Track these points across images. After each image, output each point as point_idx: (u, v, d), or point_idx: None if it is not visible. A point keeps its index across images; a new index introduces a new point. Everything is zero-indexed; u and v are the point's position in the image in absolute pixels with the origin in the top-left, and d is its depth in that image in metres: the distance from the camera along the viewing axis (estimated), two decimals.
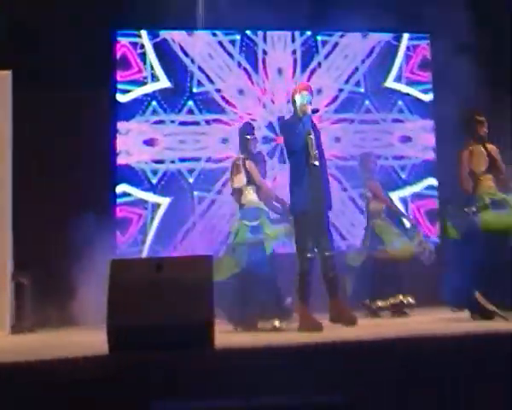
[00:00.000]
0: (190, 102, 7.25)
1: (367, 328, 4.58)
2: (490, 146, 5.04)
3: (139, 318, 3.56)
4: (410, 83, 7.77)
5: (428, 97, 7.76)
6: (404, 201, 7.61)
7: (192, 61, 7.32)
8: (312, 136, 4.77)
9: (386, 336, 3.72)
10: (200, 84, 7.32)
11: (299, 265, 4.71)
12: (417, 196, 7.64)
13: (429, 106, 7.72)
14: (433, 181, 7.66)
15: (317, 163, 4.70)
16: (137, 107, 7.13)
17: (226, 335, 4.46)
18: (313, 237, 4.69)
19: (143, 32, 7.23)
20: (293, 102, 5.01)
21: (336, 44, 7.68)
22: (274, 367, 3.37)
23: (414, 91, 7.77)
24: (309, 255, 4.67)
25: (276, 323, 4.76)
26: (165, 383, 3.07)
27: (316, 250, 4.71)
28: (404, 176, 7.63)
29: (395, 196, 7.52)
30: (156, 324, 3.53)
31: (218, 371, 3.43)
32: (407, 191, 7.64)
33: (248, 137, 5.25)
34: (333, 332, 4.35)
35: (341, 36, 7.70)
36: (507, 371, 3.13)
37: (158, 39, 7.26)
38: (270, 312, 4.78)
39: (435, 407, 3.15)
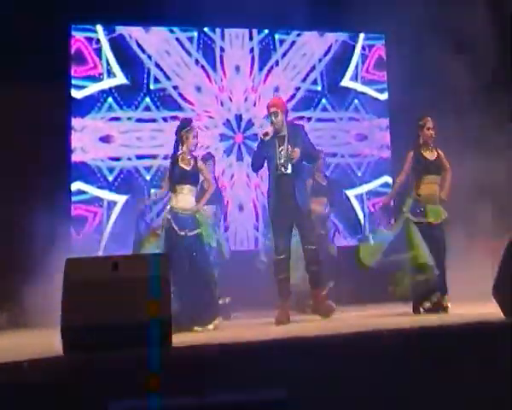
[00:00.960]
0: (147, 99, 7.18)
1: (330, 322, 4.65)
2: (434, 150, 5.19)
3: (95, 317, 3.50)
4: (366, 82, 7.89)
5: (384, 96, 7.90)
6: (359, 198, 7.73)
7: (149, 57, 7.26)
8: (284, 146, 4.87)
9: (332, 332, 3.77)
10: (157, 80, 7.26)
11: (273, 266, 4.90)
12: (373, 194, 7.76)
13: (384, 105, 7.86)
14: (388, 179, 7.80)
15: (287, 171, 4.84)
16: (93, 103, 7.03)
17: (181, 333, 4.43)
18: (287, 237, 4.86)
19: (99, 27, 7.12)
20: None
21: (293, 43, 7.74)
22: (228, 364, 3.37)
23: (369, 90, 7.90)
24: (280, 257, 4.80)
25: (211, 326, 4.69)
26: (123, 382, 3.03)
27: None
28: (359, 174, 7.75)
29: (351, 193, 7.64)
30: (112, 323, 3.49)
31: (175, 369, 3.42)
32: (363, 189, 7.76)
33: (187, 129, 4.93)
34: (288, 329, 4.39)
35: (298, 35, 7.75)
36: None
37: (114, 35, 7.17)
38: (204, 313, 4.71)
39: (380, 401, 3.21)
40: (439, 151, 5.22)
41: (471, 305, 5.14)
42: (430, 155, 5.14)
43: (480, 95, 6.14)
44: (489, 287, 4.32)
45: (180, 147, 4.85)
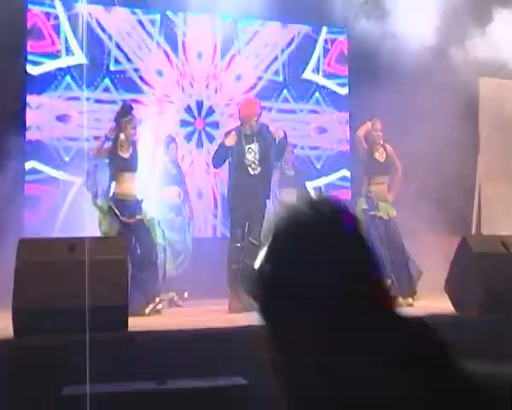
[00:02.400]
0: (107, 80, 7.03)
1: None
2: (383, 150, 5.38)
3: (48, 300, 3.43)
4: (328, 75, 7.94)
5: (344, 91, 7.97)
6: (318, 190, 7.79)
7: (110, 37, 7.09)
8: (253, 146, 4.96)
9: None
10: (117, 62, 7.11)
11: (227, 253, 4.97)
12: (331, 187, 7.84)
13: (345, 99, 7.93)
14: (346, 172, 7.90)
15: (254, 172, 4.94)
16: (50, 81, 6.82)
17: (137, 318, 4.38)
18: (244, 227, 4.93)
19: (58, 3, 6.89)
20: None
21: (257, 32, 7.71)
22: (185, 350, 3.36)
23: (331, 84, 7.96)
24: (236, 245, 4.87)
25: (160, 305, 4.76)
26: (78, 367, 2.98)
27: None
28: (318, 166, 7.82)
29: (310, 185, 7.70)
30: (67, 307, 3.42)
31: (132, 354, 3.38)
32: (321, 181, 7.83)
33: (126, 119, 4.98)
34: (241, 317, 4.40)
35: (262, 24, 7.73)
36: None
37: (74, 12, 6.95)
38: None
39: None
40: (389, 149, 5.40)
41: (424, 299, 5.29)
42: (380, 156, 5.35)
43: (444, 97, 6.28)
44: (441, 281, 4.45)
45: (119, 134, 4.88)
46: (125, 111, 5.01)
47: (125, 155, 4.91)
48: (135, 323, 3.74)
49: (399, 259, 5.20)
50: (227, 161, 5.17)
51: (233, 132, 4.99)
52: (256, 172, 4.94)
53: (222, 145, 5.08)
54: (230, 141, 4.93)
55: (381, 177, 5.41)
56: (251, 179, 4.91)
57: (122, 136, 4.90)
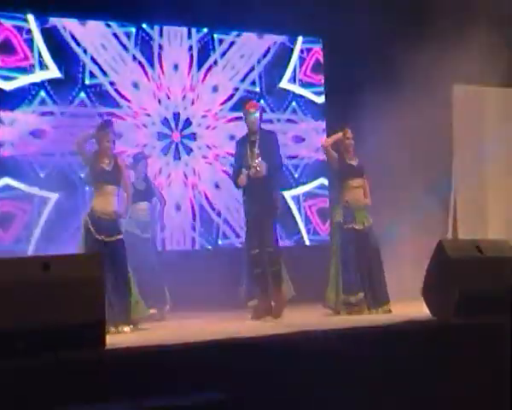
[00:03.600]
0: (82, 94, 6.97)
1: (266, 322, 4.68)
2: (355, 157, 5.44)
3: (24, 320, 3.36)
4: (304, 85, 7.97)
5: (321, 100, 8.00)
6: (296, 199, 7.81)
7: (84, 51, 7.04)
8: (255, 150, 5.12)
9: (268, 333, 3.79)
10: (92, 75, 7.06)
11: (246, 261, 5.30)
12: (309, 195, 7.86)
13: (321, 108, 7.96)
14: (324, 181, 7.92)
15: (258, 175, 5.09)
16: (23, 96, 6.73)
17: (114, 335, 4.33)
18: (258, 236, 5.14)
19: (30, 17, 6.83)
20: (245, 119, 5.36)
21: (233, 43, 7.72)
22: (163, 367, 3.32)
23: (307, 93, 7.98)
24: (252, 252, 5.10)
25: (126, 328, 4.71)
26: (54, 388, 2.94)
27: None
28: (296, 175, 7.83)
29: (288, 194, 7.71)
30: (43, 326, 3.36)
31: (109, 371, 3.33)
32: (299, 190, 7.84)
33: (103, 132, 4.98)
34: (224, 328, 4.37)
35: (238, 35, 7.74)
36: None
37: (47, 26, 6.90)
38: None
39: (311, 404, 3.25)
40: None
41: (401, 304, 5.30)
42: (353, 161, 5.42)
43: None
44: (417, 286, 4.47)
45: (98, 147, 4.92)
46: (104, 125, 5.02)
47: (107, 167, 4.89)
48: (111, 341, 3.69)
49: (376, 268, 5.24)
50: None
51: (244, 178, 5.14)
52: (259, 175, 5.08)
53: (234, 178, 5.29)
54: (242, 182, 5.16)
55: (357, 180, 5.46)
56: (257, 181, 5.06)
57: (100, 149, 4.90)
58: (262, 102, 7.72)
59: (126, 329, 4.69)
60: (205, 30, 7.60)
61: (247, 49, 7.76)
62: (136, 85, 7.25)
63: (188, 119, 7.44)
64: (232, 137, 7.43)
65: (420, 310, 4.38)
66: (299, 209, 7.79)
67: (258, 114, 5.21)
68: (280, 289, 5.18)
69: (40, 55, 6.85)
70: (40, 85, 6.80)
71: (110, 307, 4.49)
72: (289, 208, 7.71)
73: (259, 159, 5.06)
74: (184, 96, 7.45)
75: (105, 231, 4.77)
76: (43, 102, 6.79)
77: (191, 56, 7.52)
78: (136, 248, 5.51)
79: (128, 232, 5.93)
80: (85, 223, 4.81)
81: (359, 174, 5.49)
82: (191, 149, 7.37)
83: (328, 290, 5.31)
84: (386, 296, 5.25)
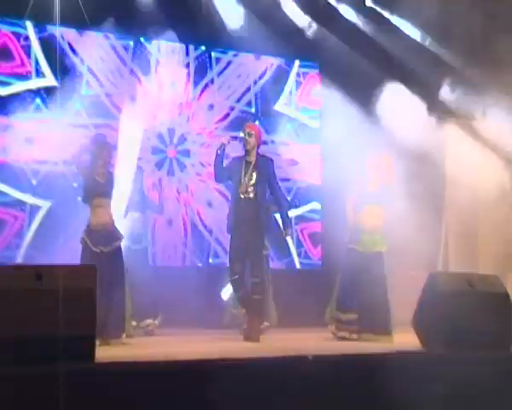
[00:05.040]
0: (78, 104, 6.95)
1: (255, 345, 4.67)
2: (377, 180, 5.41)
3: (13, 330, 3.33)
4: (299, 108, 8.03)
5: (316, 124, 8.07)
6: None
7: (82, 61, 7.03)
8: (251, 172, 5.09)
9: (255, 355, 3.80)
10: (89, 86, 7.05)
11: (231, 286, 5.18)
12: (301, 219, 7.89)
13: (317, 132, 8.02)
14: (316, 205, 7.96)
15: (250, 196, 5.05)
16: (19, 102, 6.67)
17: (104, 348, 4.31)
18: (242, 261, 5.07)
19: (28, 24, 6.81)
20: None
21: (230, 63, 7.77)
22: (152, 383, 3.31)
23: (302, 117, 8.05)
24: (234, 277, 5.03)
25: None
26: (43, 400, 2.91)
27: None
28: (289, 198, 7.81)
29: (280, 217, 7.71)
30: (33, 336, 3.33)
31: (99, 385, 3.31)
32: (292, 213, 7.82)
33: (102, 145, 5.04)
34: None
35: (235, 55, 7.80)
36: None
37: (45, 34, 6.87)
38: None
39: None
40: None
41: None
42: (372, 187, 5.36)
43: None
44: (407, 315, 4.51)
45: (95, 161, 4.91)
46: (100, 139, 5.06)
47: (102, 180, 4.90)
48: (102, 354, 3.67)
49: (377, 295, 5.13)
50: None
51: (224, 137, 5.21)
52: (251, 195, 5.04)
53: (220, 156, 5.17)
54: (224, 143, 5.11)
55: (372, 206, 5.34)
56: (248, 204, 5.03)
57: (99, 162, 4.90)
58: (257, 122, 7.77)
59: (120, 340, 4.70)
60: (203, 48, 7.65)
61: (244, 69, 7.81)
62: (132, 99, 7.25)
63: (183, 135, 7.46)
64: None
65: (409, 341, 4.42)
66: (290, 232, 7.79)
67: (254, 140, 5.18)
68: (257, 317, 5.14)
69: (37, 63, 6.83)
70: (36, 93, 6.77)
71: (104, 319, 4.47)
72: (281, 231, 7.71)
73: (251, 194, 5.05)
74: (180, 113, 7.48)
75: (102, 242, 4.78)
76: (38, 109, 6.76)
77: (188, 73, 7.55)
78: (127, 259, 5.51)
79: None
80: (83, 238, 4.85)
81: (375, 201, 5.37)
82: (185, 166, 7.38)
83: (329, 306, 5.34)
84: (385, 327, 5.11)
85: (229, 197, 5.35)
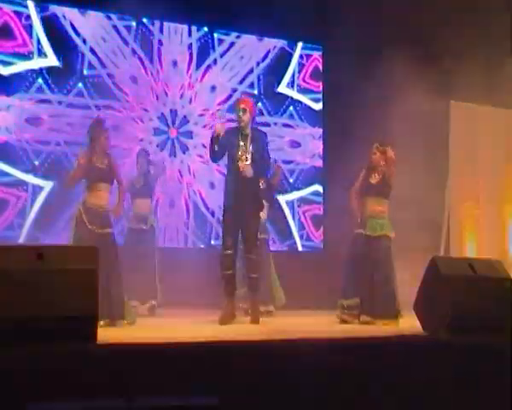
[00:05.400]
0: (80, 85, 6.92)
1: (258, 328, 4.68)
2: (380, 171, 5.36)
3: (14, 310, 3.33)
4: (302, 90, 8.00)
5: (318, 106, 8.04)
6: (290, 204, 7.84)
7: (84, 41, 7.00)
8: (248, 143, 4.95)
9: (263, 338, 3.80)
10: (91, 66, 7.01)
11: (219, 260, 4.93)
12: (303, 201, 7.88)
13: (319, 114, 7.99)
14: (318, 187, 7.95)
15: (247, 169, 4.88)
16: (21, 82, 6.66)
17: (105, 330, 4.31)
18: (235, 236, 4.90)
19: (30, 3, 6.76)
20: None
21: (232, 44, 7.72)
22: (159, 365, 3.31)
23: (305, 99, 8.02)
24: (227, 252, 4.85)
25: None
26: (43, 382, 2.91)
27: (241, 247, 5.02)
28: (291, 180, 7.85)
29: (282, 198, 7.74)
30: (34, 316, 3.33)
31: (101, 368, 3.31)
32: (294, 195, 7.87)
33: (100, 129, 4.95)
34: (222, 330, 4.38)
35: (238, 36, 7.75)
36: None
37: (47, 13, 6.84)
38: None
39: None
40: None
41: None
42: (373, 179, 5.32)
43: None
44: (409, 299, 4.51)
45: (93, 146, 4.87)
46: (100, 122, 5.00)
47: (102, 166, 4.87)
48: (105, 334, 3.68)
49: (381, 279, 5.10)
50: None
51: (220, 126, 4.97)
52: (247, 169, 4.91)
53: (215, 137, 4.96)
54: (219, 134, 4.89)
55: (376, 198, 5.29)
56: (243, 179, 4.89)
57: (97, 147, 4.87)
58: (260, 104, 7.75)
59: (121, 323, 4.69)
60: (205, 29, 7.60)
61: (247, 51, 7.77)
62: (134, 80, 7.22)
63: (185, 116, 7.43)
64: None
65: (411, 324, 4.43)
66: (292, 214, 7.82)
67: (248, 115, 4.98)
68: (256, 296, 5.06)
69: (39, 43, 6.79)
70: (38, 73, 6.74)
71: (104, 301, 4.47)
72: (283, 213, 7.75)
73: (248, 161, 4.91)
74: (182, 94, 7.44)
75: (97, 222, 4.75)
76: (40, 89, 6.74)
77: (190, 54, 7.51)
78: (139, 240, 5.53)
79: (131, 228, 5.97)
80: (78, 214, 4.79)
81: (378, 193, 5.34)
82: (187, 148, 7.36)
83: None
84: (389, 310, 5.07)
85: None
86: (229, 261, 4.86)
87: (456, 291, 4.16)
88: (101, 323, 4.45)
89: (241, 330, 4.51)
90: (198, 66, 7.53)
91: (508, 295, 4.26)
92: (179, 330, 4.42)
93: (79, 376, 3.10)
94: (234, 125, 5.16)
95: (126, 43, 7.21)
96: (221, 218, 5.11)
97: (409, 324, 4.57)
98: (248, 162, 4.90)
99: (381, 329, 4.76)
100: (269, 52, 7.87)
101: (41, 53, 6.79)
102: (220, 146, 4.93)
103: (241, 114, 4.97)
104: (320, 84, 8.05)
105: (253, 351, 3.42)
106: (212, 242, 7.38)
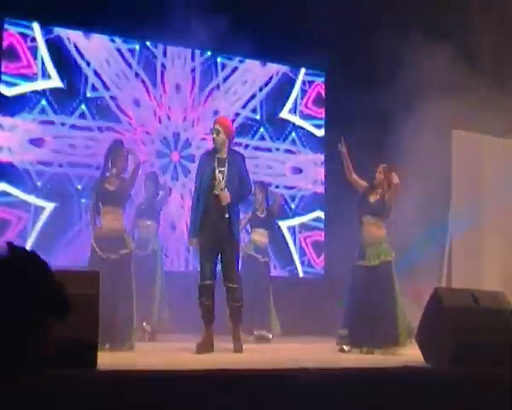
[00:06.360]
0: (83, 106, 6.95)
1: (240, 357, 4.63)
2: (381, 192, 5.34)
3: None
4: (304, 116, 8.04)
5: (320, 133, 8.07)
6: (292, 230, 7.83)
7: (87, 63, 7.04)
8: (224, 169, 4.77)
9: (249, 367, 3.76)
10: (94, 88, 7.05)
11: (198, 291, 4.73)
12: (305, 227, 7.87)
13: (321, 141, 8.02)
14: (320, 213, 7.94)
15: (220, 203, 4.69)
16: (25, 103, 6.70)
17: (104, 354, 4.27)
18: (213, 266, 4.74)
19: (36, 25, 6.82)
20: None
21: (236, 69, 7.77)
22: (158, 392, 3.28)
23: (307, 125, 8.05)
24: (205, 283, 4.68)
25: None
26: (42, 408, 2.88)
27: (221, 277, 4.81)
28: (293, 206, 7.85)
29: (284, 224, 7.72)
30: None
31: (100, 394, 3.28)
32: (295, 221, 7.86)
33: (119, 152, 4.93)
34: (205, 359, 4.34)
35: (241, 61, 7.80)
36: None
37: (52, 36, 6.89)
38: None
39: None
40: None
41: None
42: (372, 197, 5.32)
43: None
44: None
45: (109, 169, 4.89)
46: (115, 146, 4.98)
47: (111, 188, 4.86)
48: (104, 361, 3.65)
49: (381, 307, 5.04)
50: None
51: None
52: (225, 201, 4.69)
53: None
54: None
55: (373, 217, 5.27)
56: (220, 207, 4.68)
57: (114, 170, 4.90)
58: (262, 129, 7.78)
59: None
60: (208, 53, 7.65)
61: (250, 75, 7.82)
62: (137, 102, 7.25)
63: (187, 140, 7.45)
64: None
65: (411, 352, 4.41)
66: (294, 240, 7.81)
67: (222, 136, 4.73)
68: (239, 325, 4.87)
69: (43, 64, 6.83)
70: (42, 94, 6.78)
71: (109, 326, 4.44)
72: (284, 239, 7.73)
73: (225, 189, 4.68)
74: (185, 118, 7.47)
75: (110, 249, 4.75)
76: (43, 110, 6.77)
77: (194, 78, 7.55)
78: (139, 267, 5.52)
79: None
80: (92, 240, 4.83)
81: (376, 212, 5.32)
82: (189, 171, 7.37)
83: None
84: (388, 338, 5.01)
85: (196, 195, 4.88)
86: (208, 292, 4.67)
87: (457, 323, 4.15)
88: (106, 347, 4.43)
89: (229, 357, 4.48)
90: (201, 90, 7.56)
91: (509, 327, 4.25)
92: (181, 357, 4.38)
93: (78, 402, 3.07)
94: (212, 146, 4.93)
95: (130, 66, 7.26)
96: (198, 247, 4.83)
97: (412, 354, 4.54)
98: (225, 189, 4.70)
99: (381, 360, 4.72)
100: (272, 77, 7.92)
101: (45, 75, 6.83)
102: (198, 182, 4.84)
103: (214, 134, 4.76)
104: (323, 110, 8.10)
105: (231, 381, 3.39)
106: None
